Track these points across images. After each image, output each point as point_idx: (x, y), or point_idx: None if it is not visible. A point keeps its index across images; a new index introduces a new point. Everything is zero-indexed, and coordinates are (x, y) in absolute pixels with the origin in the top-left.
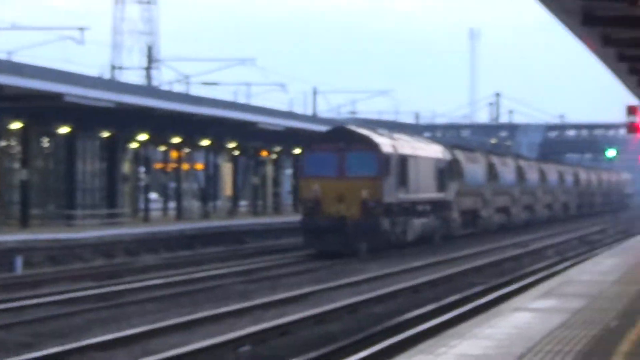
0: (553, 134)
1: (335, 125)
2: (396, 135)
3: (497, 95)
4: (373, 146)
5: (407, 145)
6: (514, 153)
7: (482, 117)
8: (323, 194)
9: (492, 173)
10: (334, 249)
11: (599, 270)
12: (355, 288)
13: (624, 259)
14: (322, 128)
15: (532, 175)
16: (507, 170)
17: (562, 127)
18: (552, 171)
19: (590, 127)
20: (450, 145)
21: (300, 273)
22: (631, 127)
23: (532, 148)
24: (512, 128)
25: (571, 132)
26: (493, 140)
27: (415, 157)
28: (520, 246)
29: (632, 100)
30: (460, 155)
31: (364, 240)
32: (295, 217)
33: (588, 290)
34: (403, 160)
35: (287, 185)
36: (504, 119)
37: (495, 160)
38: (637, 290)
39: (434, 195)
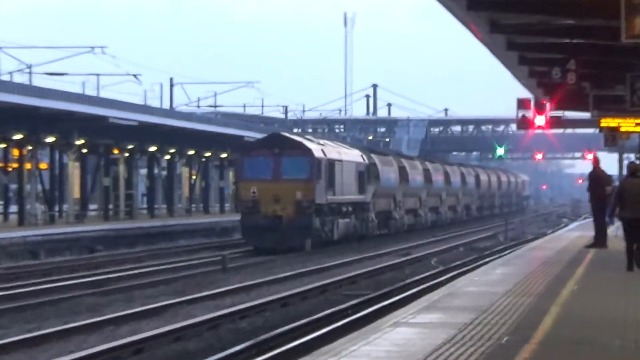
0: (436, 130)
1: (271, 132)
2: (322, 141)
3: (374, 86)
4: (306, 151)
5: (334, 151)
6: (394, 151)
7: (358, 111)
8: (261, 195)
9: (402, 176)
10: (271, 246)
11: (489, 281)
12: (217, 301)
13: (516, 268)
14: (180, 124)
15: (437, 178)
16: (415, 173)
17: (446, 122)
18: (455, 173)
19: (478, 122)
20: (367, 150)
21: (156, 284)
22: (522, 122)
23: (414, 145)
24: (391, 123)
25: (456, 128)
26: (370, 137)
27: (341, 162)
28: (402, 254)
29: (523, 93)
30: (376, 159)
31: (298, 237)
32: (151, 222)
33: (476, 303)
34: (331, 164)
35: (141, 187)
36: (382, 113)
37: (405, 163)
38: (530, 302)
39: (355, 197)
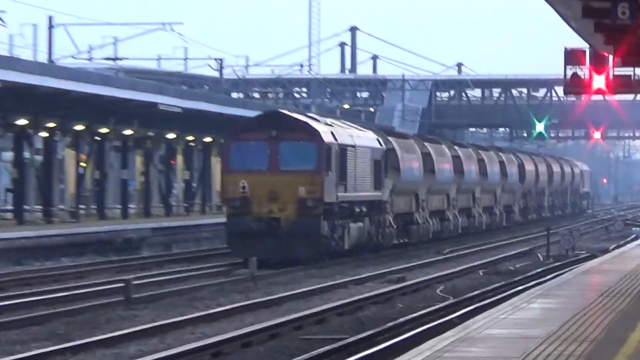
0: (445, 96)
1: (266, 110)
2: (330, 120)
3: (353, 31)
4: (312, 134)
5: (345, 133)
6: (380, 126)
7: (329, 67)
8: (252, 191)
9: (427, 165)
10: (265, 257)
11: (521, 319)
12: (117, 349)
13: (562, 301)
14: (63, 85)
15: (470, 167)
16: (443, 161)
17: (459, 84)
18: (492, 161)
19: (506, 84)
20: (382, 131)
21: (26, 324)
22: (573, 84)
23: (412, 117)
24: (378, 85)
25: (474, 93)
26: (346, 105)
27: (354, 148)
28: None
29: (573, 42)
30: (394, 143)
31: (301, 246)
32: (19, 231)
33: (503, 353)
34: (343, 151)
35: (4, 179)
36: (364, 70)
37: (430, 148)
38: (585, 352)
39: (370, 194)
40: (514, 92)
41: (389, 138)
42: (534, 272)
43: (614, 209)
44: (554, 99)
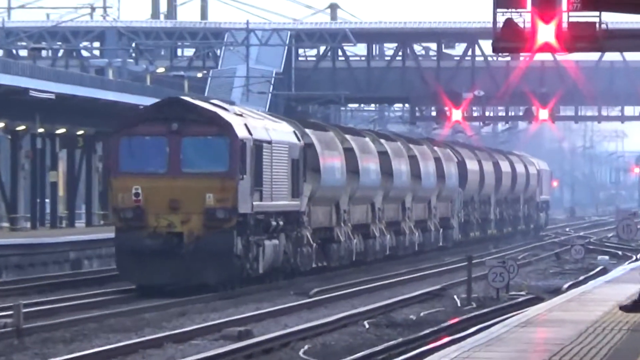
0: (311, 55)
1: (164, 97)
2: (239, 109)
3: None
4: (223, 128)
5: (259, 125)
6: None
7: (136, 11)
8: (147, 200)
9: (350, 165)
10: (163, 282)
11: None
12: None
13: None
14: None
15: (401, 167)
16: (368, 159)
17: (332, 36)
18: (427, 159)
19: (404, 37)
20: (296, 121)
21: None
22: (506, 37)
23: (260, 88)
24: (209, 38)
25: (357, 51)
26: (161, 69)
27: (270, 144)
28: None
29: None
30: (312, 136)
31: (209, 268)
32: None
33: None
34: (258, 149)
35: None
36: (189, 16)
37: (352, 142)
38: None
39: (287, 202)
40: (416, 49)
41: (306, 131)
42: (446, 323)
43: (569, 227)
44: (478, 59)
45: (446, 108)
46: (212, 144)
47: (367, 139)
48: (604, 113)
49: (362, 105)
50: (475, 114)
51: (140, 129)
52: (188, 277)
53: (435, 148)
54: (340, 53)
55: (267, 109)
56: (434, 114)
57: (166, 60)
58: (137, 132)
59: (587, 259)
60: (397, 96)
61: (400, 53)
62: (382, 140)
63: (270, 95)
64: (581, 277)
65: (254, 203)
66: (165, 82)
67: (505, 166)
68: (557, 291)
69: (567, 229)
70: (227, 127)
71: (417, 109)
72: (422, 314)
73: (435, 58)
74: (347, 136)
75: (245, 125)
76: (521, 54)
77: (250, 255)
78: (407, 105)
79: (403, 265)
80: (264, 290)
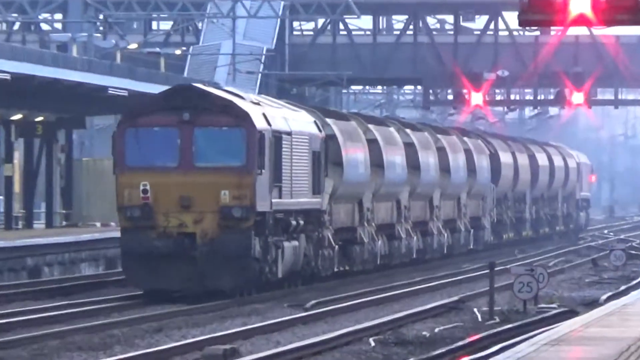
0: (308, 28)
1: (175, 83)
2: (255, 97)
3: None
4: (240, 118)
5: (278, 115)
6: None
7: None
8: (157, 197)
9: (374, 158)
10: (175, 287)
11: None
12: None
13: None
14: None
15: (428, 160)
16: (394, 152)
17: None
18: (456, 150)
19: (414, 7)
20: (316, 110)
21: None
22: (534, 9)
23: (249, 67)
24: (189, 9)
25: (361, 24)
26: (133, 45)
27: (290, 135)
28: None
29: None
30: (334, 126)
31: (225, 272)
32: None
33: None
34: (278, 140)
35: None
36: None
37: (376, 133)
38: None
39: (308, 200)
40: (430, 22)
41: (327, 120)
42: (465, 340)
43: (607, 229)
44: (501, 34)
45: (465, 91)
46: (227, 136)
47: (391, 128)
48: None
49: (367, 87)
50: (498, 98)
51: (148, 119)
52: (201, 282)
53: (465, 139)
54: (341, 27)
55: (256, 92)
56: (450, 97)
57: (139, 35)
58: (144, 122)
59: (628, 266)
60: (408, 77)
61: (411, 27)
62: (408, 130)
63: (260, 75)
64: (622, 287)
65: (273, 200)
66: (139, 60)
67: (542, 159)
68: (594, 303)
69: (606, 231)
70: (244, 117)
71: (430, 91)
72: (436, 330)
73: (452, 32)
74: (370, 126)
75: (264, 114)
76: (552, 27)
77: (269, 258)
78: (419, 87)
79: (428, 271)
80: (267, 300)
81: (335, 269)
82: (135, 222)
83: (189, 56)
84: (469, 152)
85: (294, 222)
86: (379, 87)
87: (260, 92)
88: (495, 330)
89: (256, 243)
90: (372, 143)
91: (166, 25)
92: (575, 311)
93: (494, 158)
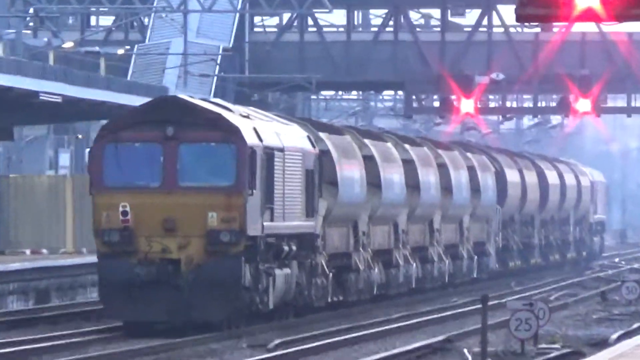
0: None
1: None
2: (244, 109)
3: None
4: (229, 132)
5: (269, 130)
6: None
7: None
8: (138, 220)
9: (371, 176)
10: (158, 318)
11: None
12: None
13: None
14: None
15: (429, 179)
16: (392, 170)
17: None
18: (458, 167)
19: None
20: (308, 123)
21: None
22: (534, 2)
23: (203, 68)
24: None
25: (333, 18)
26: (69, 44)
27: (282, 152)
28: None
29: None
30: (327, 141)
31: (212, 302)
32: None
33: None
34: (270, 158)
35: None
36: None
37: (372, 148)
38: None
39: (300, 223)
40: (413, 17)
41: (320, 134)
42: None
43: (619, 257)
44: (496, 31)
45: (453, 97)
46: (215, 152)
47: (389, 143)
48: None
49: (340, 92)
50: (492, 105)
51: (129, 133)
52: (187, 313)
53: (469, 154)
54: (310, 22)
55: (211, 96)
56: (436, 104)
57: (76, 32)
58: (124, 137)
59: None
60: (387, 81)
61: (391, 22)
62: (407, 146)
63: (215, 79)
64: (635, 325)
65: (265, 224)
66: (75, 61)
67: (552, 177)
68: (603, 343)
69: (617, 259)
70: (233, 132)
71: (414, 97)
72: None
73: (439, 29)
74: (366, 140)
75: (254, 129)
76: (555, 23)
77: (260, 286)
78: (400, 93)
79: (428, 302)
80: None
81: (329, 300)
82: (114, 247)
83: (134, 56)
84: (473, 169)
85: (286, 248)
86: (354, 92)
87: (215, 98)
88: None
89: (247, 270)
90: (368, 160)
91: (107, 20)
92: (581, 352)
93: (500, 176)
